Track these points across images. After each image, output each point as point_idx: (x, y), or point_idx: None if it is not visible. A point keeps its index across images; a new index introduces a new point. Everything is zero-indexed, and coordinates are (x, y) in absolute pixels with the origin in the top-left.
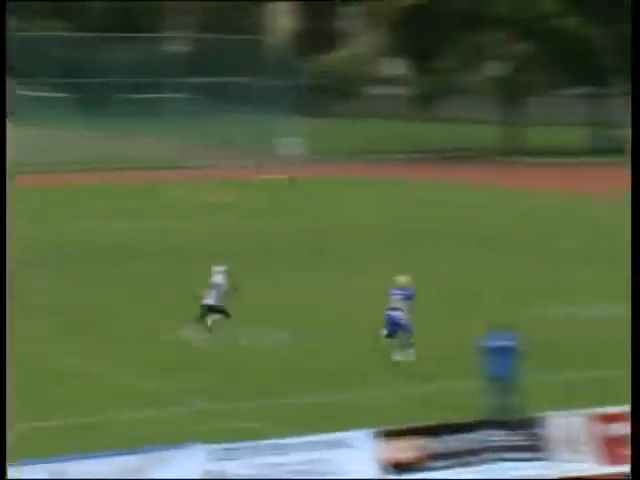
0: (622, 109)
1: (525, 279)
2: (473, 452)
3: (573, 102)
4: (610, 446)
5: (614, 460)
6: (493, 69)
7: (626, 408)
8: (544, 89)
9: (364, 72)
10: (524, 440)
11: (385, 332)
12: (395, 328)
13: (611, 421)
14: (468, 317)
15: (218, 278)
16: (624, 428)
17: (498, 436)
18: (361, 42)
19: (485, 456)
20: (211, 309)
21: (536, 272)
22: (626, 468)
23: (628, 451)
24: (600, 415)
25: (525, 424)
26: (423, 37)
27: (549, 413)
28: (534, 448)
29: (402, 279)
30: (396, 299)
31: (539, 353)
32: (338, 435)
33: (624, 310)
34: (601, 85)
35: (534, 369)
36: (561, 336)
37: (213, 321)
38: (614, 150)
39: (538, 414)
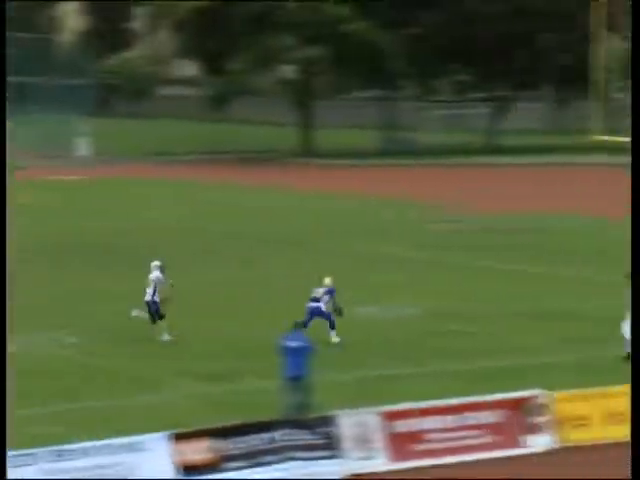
0: (410, 112)
1: (317, 279)
2: (268, 452)
3: (363, 105)
4: (400, 442)
5: (404, 456)
6: (285, 72)
7: (415, 405)
8: (335, 92)
9: (156, 72)
10: (318, 439)
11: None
12: (312, 317)
13: (400, 418)
14: (266, 318)
15: (157, 273)
16: (413, 424)
17: (293, 435)
18: (152, 42)
19: (280, 455)
20: (154, 306)
21: (330, 272)
22: (416, 463)
23: (417, 447)
24: (390, 412)
25: (319, 423)
26: (215, 39)
27: (342, 411)
28: (328, 446)
29: (327, 280)
30: (320, 291)
31: (335, 352)
32: (133, 438)
33: (415, 310)
34: (390, 88)
35: (329, 368)
36: (355, 335)
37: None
38: (404, 152)
39: (331, 413)
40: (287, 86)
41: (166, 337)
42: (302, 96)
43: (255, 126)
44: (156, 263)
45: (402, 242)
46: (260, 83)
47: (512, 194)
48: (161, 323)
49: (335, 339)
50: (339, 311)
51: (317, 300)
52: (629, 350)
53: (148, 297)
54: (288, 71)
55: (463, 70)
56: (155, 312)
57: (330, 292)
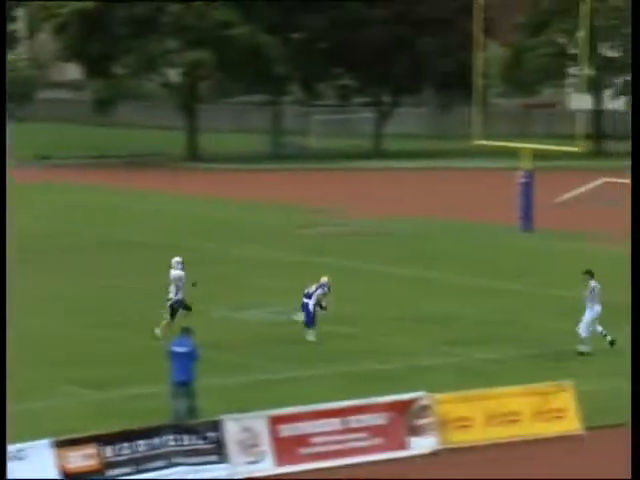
0: (296, 116)
1: (205, 285)
2: (153, 457)
3: (249, 109)
4: (286, 446)
5: (291, 460)
6: (170, 76)
7: (301, 408)
8: (220, 96)
9: (37, 76)
10: (205, 444)
11: (301, 318)
12: (309, 313)
13: (286, 422)
14: (149, 323)
15: (178, 271)
16: (299, 428)
17: (179, 440)
18: (34, 45)
19: (166, 461)
20: (179, 304)
21: (215, 276)
22: (303, 467)
23: (304, 450)
24: (276, 416)
25: (206, 428)
26: (98, 42)
27: (227, 416)
28: (214, 451)
29: (324, 279)
30: (312, 288)
31: (222, 356)
32: (15, 446)
33: (301, 313)
34: (275, 93)
35: (216, 372)
36: (241, 339)
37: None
38: (290, 157)
39: (217, 417)
40: (172, 90)
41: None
42: (187, 100)
43: (140, 130)
44: (177, 259)
45: (287, 246)
46: (145, 87)
47: (396, 198)
48: (190, 315)
49: (310, 338)
50: (320, 305)
51: (309, 296)
52: (583, 349)
53: (171, 295)
54: (173, 75)
55: (347, 75)
56: (183, 307)
57: (322, 287)
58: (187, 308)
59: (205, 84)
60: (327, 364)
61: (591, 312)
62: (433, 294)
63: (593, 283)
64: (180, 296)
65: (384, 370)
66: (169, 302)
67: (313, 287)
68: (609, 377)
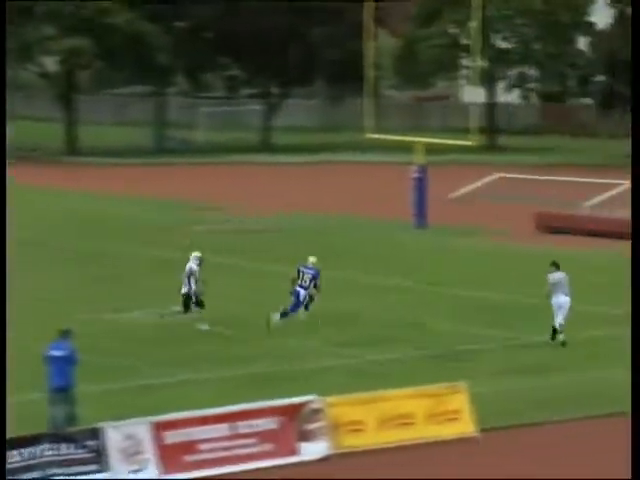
0: (181, 108)
1: (84, 286)
2: (29, 468)
3: (130, 101)
4: (171, 453)
5: (176, 468)
6: (47, 65)
7: (187, 414)
8: (99, 87)
9: None
10: (85, 452)
11: (288, 308)
12: (298, 303)
13: (171, 428)
14: (26, 326)
15: (194, 265)
16: (184, 434)
17: (57, 450)
18: None
19: (43, 472)
20: (190, 298)
21: (92, 277)
22: (189, 475)
23: (190, 457)
24: (160, 422)
25: (85, 436)
26: None
27: (108, 423)
28: (95, 460)
29: (312, 259)
30: (307, 278)
31: (95, 360)
32: None
33: (188, 315)
34: (159, 84)
35: (97, 377)
36: (122, 342)
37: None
38: (174, 150)
39: (97, 425)
40: (49, 80)
41: (205, 327)
42: (65, 90)
43: (16, 121)
44: (196, 254)
45: (171, 244)
46: (20, 76)
47: (286, 193)
48: (201, 313)
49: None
50: (303, 286)
51: (305, 288)
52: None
53: (184, 289)
54: (50, 63)
55: (234, 65)
56: (195, 303)
57: (314, 277)
58: (200, 304)
59: (84, 74)
60: (215, 367)
61: (557, 302)
62: (324, 292)
63: (560, 275)
64: (193, 289)
65: (275, 373)
66: (184, 295)
67: (307, 278)
68: (504, 377)
